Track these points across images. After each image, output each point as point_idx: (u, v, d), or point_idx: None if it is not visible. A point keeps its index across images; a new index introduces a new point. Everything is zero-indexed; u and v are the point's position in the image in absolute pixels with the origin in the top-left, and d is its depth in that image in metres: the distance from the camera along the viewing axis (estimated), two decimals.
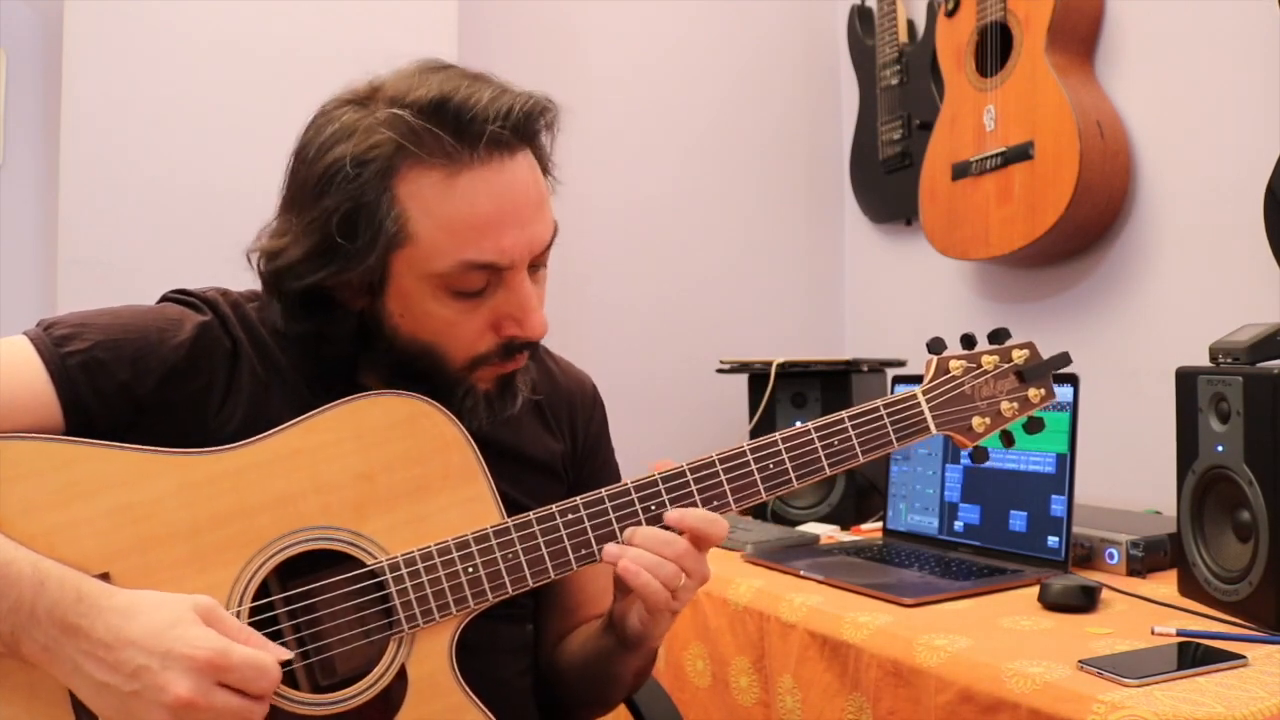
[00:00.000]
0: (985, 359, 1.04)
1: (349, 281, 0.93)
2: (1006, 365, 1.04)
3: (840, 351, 2.64)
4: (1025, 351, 1.05)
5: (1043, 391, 1.05)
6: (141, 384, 0.91)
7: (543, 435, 1.11)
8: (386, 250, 0.90)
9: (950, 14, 2.14)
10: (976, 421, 1.03)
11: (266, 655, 0.80)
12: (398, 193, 0.89)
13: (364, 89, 0.94)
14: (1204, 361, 1.33)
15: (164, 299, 1.00)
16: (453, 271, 0.91)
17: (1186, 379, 1.33)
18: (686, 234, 2.59)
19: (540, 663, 1.17)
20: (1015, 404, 1.04)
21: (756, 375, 2.26)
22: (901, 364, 2.25)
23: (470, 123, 0.88)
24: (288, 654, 0.84)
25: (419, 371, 0.95)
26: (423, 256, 0.90)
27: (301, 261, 0.92)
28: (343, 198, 0.89)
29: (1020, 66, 1.97)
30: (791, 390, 2.20)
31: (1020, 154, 1.96)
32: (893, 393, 1.09)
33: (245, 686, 0.79)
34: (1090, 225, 1.96)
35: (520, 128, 0.91)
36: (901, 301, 2.60)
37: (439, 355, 0.95)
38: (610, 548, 0.92)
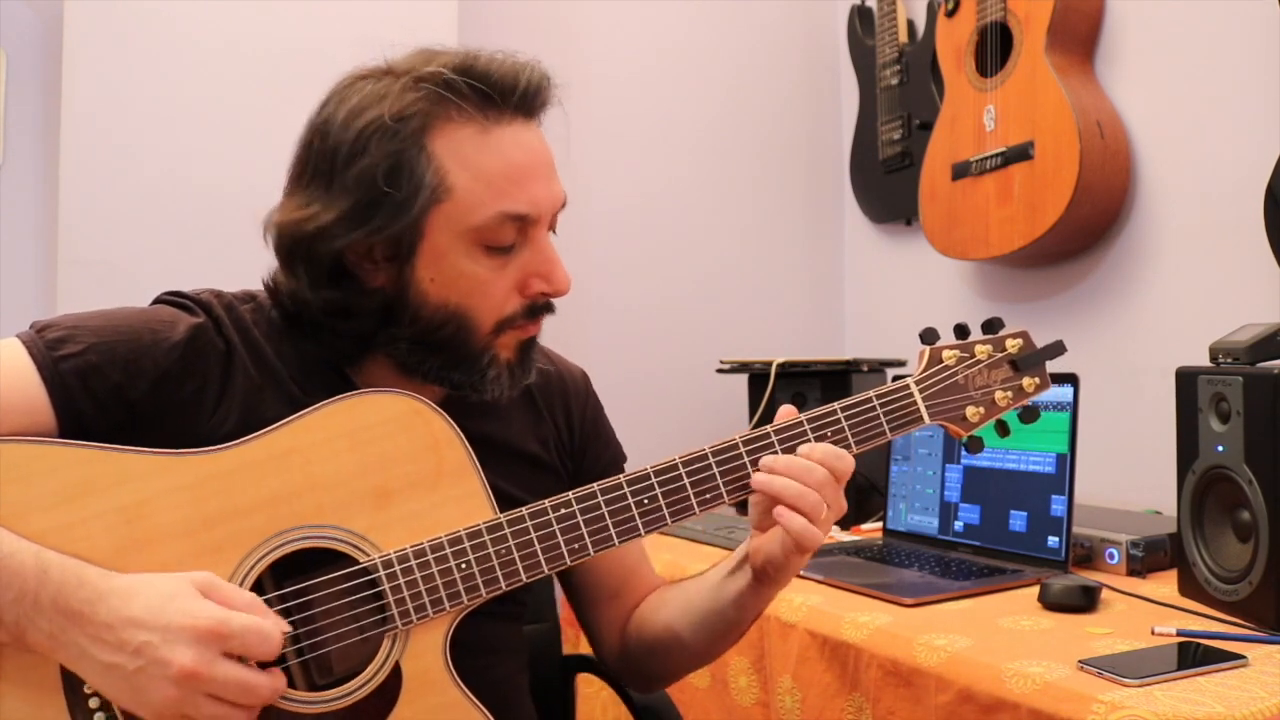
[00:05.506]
0: (979, 348, 1.03)
1: (376, 251, 0.93)
2: (1000, 354, 1.03)
3: (840, 351, 2.64)
4: (1019, 340, 1.04)
5: (1037, 381, 1.04)
6: (135, 386, 0.90)
7: (535, 428, 1.11)
8: (426, 206, 0.91)
9: (950, 14, 2.14)
10: (970, 411, 1.02)
11: (267, 621, 0.81)
12: (434, 148, 0.91)
13: (379, 66, 0.96)
14: (1204, 361, 1.33)
15: (157, 300, 1.00)
16: (489, 224, 0.92)
17: (1186, 379, 1.32)
18: (686, 234, 2.59)
19: (605, 650, 1.17)
20: (1009, 393, 1.03)
21: (756, 375, 2.26)
22: (901, 364, 2.24)
23: (502, 80, 0.92)
24: (288, 626, 0.84)
25: (444, 341, 0.95)
26: (461, 210, 0.92)
27: (336, 223, 0.91)
28: (383, 155, 0.90)
29: (1020, 66, 1.96)
30: (791, 390, 2.20)
31: (1020, 154, 1.95)
32: None
33: (248, 652, 0.79)
34: (1090, 225, 1.96)
35: (541, 89, 0.95)
36: (901, 301, 2.59)
37: (467, 320, 0.95)
38: (759, 477, 0.94)
